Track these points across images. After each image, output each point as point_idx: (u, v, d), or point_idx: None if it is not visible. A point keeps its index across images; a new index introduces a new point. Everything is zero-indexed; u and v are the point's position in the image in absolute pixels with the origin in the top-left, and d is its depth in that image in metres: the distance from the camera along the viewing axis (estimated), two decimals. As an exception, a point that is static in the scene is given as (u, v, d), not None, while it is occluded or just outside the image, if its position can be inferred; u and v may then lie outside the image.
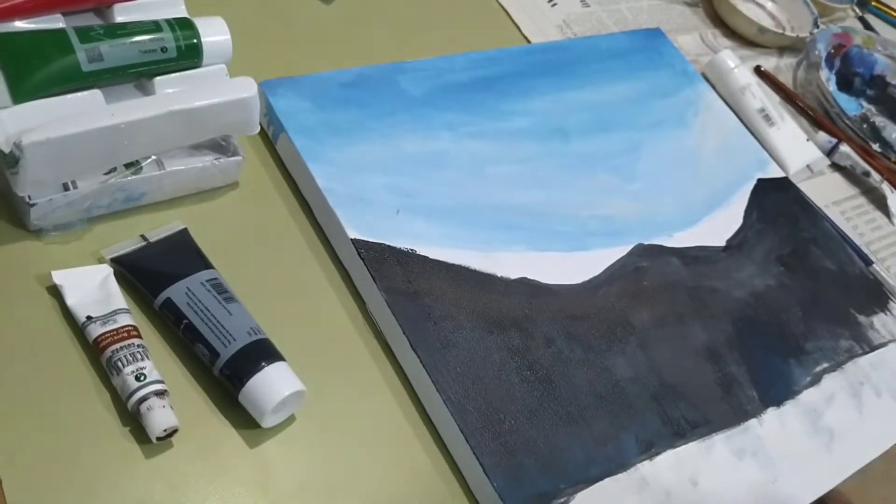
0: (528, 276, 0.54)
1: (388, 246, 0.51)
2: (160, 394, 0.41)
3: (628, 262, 0.58)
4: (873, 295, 0.65)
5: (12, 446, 0.39)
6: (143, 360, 0.41)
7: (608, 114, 0.67)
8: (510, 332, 0.51)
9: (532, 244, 0.56)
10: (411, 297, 0.49)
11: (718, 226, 0.64)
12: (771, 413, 0.54)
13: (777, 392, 0.56)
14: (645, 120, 0.68)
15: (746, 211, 0.66)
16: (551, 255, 0.56)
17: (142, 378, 0.41)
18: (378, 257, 0.50)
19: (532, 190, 0.59)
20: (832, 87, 0.84)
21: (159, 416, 0.40)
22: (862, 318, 0.63)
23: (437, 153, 0.58)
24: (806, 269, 0.64)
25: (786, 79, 0.84)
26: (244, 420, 0.43)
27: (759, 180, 0.69)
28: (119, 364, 0.41)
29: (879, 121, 0.84)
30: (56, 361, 0.42)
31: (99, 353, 0.42)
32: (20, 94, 0.42)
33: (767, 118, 0.75)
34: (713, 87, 0.76)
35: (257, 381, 0.42)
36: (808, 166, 0.75)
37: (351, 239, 0.50)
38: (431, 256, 0.52)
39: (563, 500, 0.45)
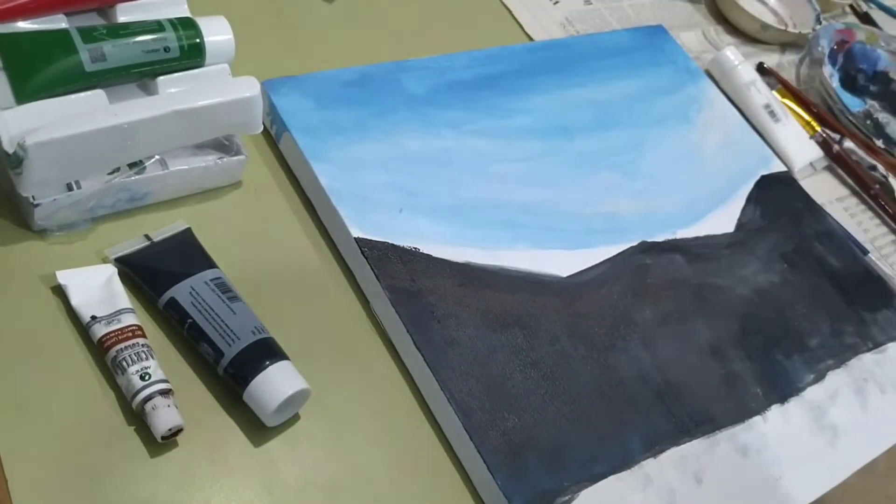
0: (532, 274, 0.54)
1: (392, 244, 0.51)
2: (165, 393, 0.41)
3: (632, 260, 0.58)
4: (877, 291, 0.65)
5: (17, 446, 0.39)
6: (147, 359, 0.41)
7: (611, 111, 0.67)
8: (514, 330, 0.51)
9: (535, 242, 0.56)
10: (415, 296, 0.49)
11: (722, 223, 0.64)
12: (775, 410, 0.54)
13: (781, 389, 0.56)
14: (648, 117, 0.68)
15: (750, 208, 0.66)
16: (555, 253, 0.56)
17: (146, 377, 0.41)
18: (381, 256, 0.50)
19: (535, 188, 0.59)
20: (835, 83, 0.83)
21: (164, 416, 0.40)
22: (866, 315, 0.63)
23: (439, 151, 0.57)
24: (810, 265, 0.64)
25: (789, 75, 0.84)
26: (249, 419, 0.43)
27: (763, 177, 0.69)
28: (124, 363, 0.41)
29: (883, 117, 0.84)
30: (61, 361, 0.42)
31: (103, 352, 0.42)
32: (23, 94, 0.42)
33: (772, 114, 0.75)
34: (716, 83, 0.76)
35: (261, 380, 0.42)
36: (811, 163, 0.75)
37: (354, 237, 0.50)
38: (435, 255, 0.52)
39: (566, 497, 0.45)
